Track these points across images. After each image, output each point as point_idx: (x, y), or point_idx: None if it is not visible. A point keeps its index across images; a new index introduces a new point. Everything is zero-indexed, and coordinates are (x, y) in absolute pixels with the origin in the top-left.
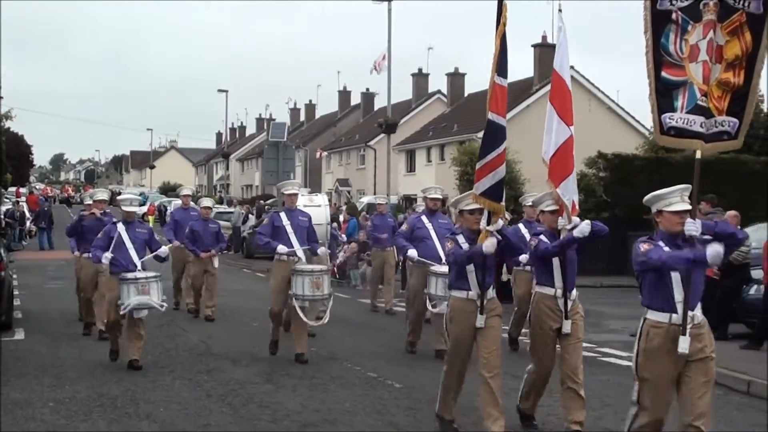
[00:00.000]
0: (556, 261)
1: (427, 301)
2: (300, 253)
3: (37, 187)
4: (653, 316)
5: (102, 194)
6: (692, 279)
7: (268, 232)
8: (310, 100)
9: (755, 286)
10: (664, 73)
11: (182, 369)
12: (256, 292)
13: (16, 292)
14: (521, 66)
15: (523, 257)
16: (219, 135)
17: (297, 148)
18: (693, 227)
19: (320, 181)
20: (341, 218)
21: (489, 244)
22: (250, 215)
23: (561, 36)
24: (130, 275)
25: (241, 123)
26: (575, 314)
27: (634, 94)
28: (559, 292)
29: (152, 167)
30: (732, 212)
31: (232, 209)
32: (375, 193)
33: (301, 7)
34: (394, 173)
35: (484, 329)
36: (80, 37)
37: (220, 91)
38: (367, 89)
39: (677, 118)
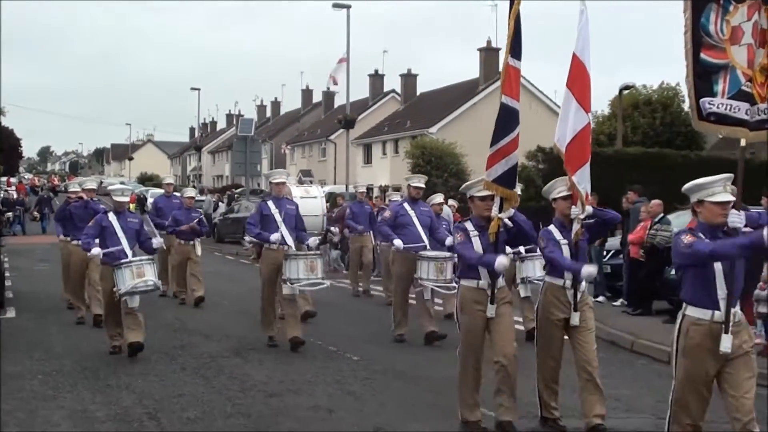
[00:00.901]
0: (566, 251)
1: (426, 286)
2: (290, 241)
3: (26, 177)
4: (694, 312)
5: (91, 183)
6: (735, 273)
7: (257, 221)
8: (276, 98)
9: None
10: (703, 55)
11: (159, 344)
12: (227, 273)
13: (7, 274)
14: (469, 68)
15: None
16: (192, 129)
17: (263, 142)
18: (737, 219)
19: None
20: None
21: (501, 263)
22: (220, 203)
23: (582, 19)
24: (124, 260)
25: (213, 119)
26: (584, 305)
27: None
28: (569, 282)
29: (131, 159)
30: (656, 201)
31: (203, 198)
32: (335, 183)
33: (269, 14)
34: (352, 165)
35: (495, 318)
36: (67, 41)
37: (192, 89)
38: (328, 88)
39: (718, 104)
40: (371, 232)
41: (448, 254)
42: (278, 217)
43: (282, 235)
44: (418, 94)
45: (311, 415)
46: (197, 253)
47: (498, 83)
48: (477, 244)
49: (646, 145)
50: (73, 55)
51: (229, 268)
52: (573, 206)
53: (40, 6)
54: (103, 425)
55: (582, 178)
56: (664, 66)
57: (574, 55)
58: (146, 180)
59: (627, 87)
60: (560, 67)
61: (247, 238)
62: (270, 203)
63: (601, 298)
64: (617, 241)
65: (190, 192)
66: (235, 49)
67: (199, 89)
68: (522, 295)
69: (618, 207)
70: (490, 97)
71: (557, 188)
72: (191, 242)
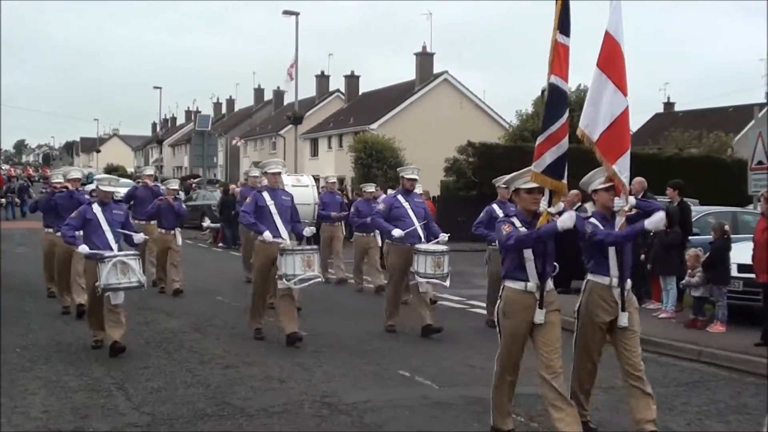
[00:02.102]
0: (611, 246)
1: (419, 280)
2: (285, 234)
3: (3, 167)
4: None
5: (76, 173)
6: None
7: (251, 211)
8: (230, 96)
9: None
10: None
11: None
12: (186, 256)
13: None
14: (406, 70)
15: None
16: (154, 125)
17: (219, 136)
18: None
19: (238, 163)
20: None
21: (566, 218)
22: (180, 192)
23: None
24: (107, 254)
25: (173, 115)
26: (631, 306)
27: (497, 94)
28: (615, 281)
29: (98, 151)
30: (574, 191)
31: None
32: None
33: (225, 21)
34: (300, 158)
35: (542, 325)
36: (40, 46)
37: (155, 87)
38: (278, 87)
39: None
40: (341, 222)
41: (445, 248)
42: (273, 209)
43: (277, 230)
44: (360, 93)
45: (264, 384)
46: (178, 243)
47: (432, 85)
48: None
49: None
50: (47, 57)
51: (188, 251)
52: (616, 198)
53: (16, 12)
54: (75, 394)
55: (623, 167)
56: (580, 71)
57: (606, 33)
58: (112, 171)
59: None
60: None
61: (205, 223)
62: (265, 194)
63: None
64: None
65: (173, 184)
66: (194, 52)
67: (160, 88)
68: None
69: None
70: (424, 98)
71: (597, 179)
72: (172, 231)
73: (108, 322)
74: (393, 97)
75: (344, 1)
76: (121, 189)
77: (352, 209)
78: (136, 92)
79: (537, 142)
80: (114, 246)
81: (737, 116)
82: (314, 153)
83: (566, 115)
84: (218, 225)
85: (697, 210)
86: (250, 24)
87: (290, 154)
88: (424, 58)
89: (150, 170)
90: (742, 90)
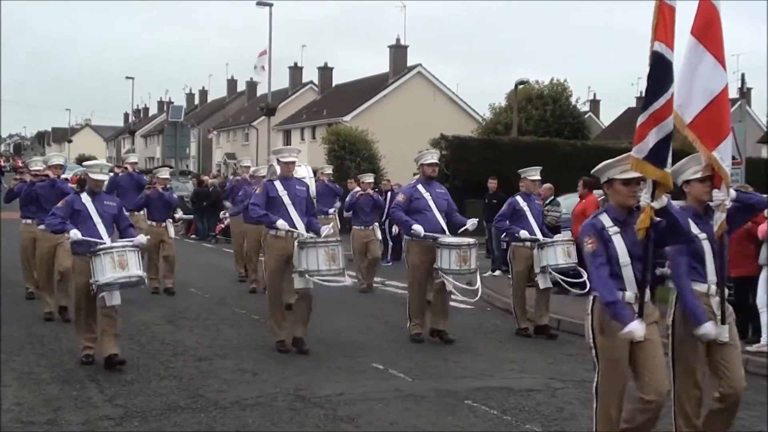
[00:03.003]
0: (707, 247)
1: (444, 277)
2: (301, 227)
3: None
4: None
5: (57, 158)
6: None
7: (262, 202)
8: (203, 87)
9: None
10: None
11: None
12: None
13: None
14: (380, 63)
15: (524, 233)
16: (126, 115)
17: (192, 127)
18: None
19: (211, 155)
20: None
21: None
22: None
23: None
24: (102, 246)
25: (145, 105)
26: (729, 316)
27: (470, 87)
28: (713, 288)
29: (70, 141)
30: (547, 185)
31: None
32: (258, 165)
33: (198, 12)
34: (273, 149)
35: (642, 342)
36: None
37: (127, 77)
38: (251, 78)
39: None
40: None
41: (471, 240)
42: (287, 200)
43: (293, 222)
44: (333, 85)
45: (237, 377)
46: (170, 235)
47: (405, 78)
48: (619, 245)
49: (538, 135)
50: (19, 49)
51: None
52: (715, 190)
53: None
54: (48, 387)
55: (725, 154)
56: (554, 64)
57: None
58: (84, 161)
59: (522, 82)
60: (457, 65)
61: (177, 215)
62: (277, 183)
63: (497, 272)
64: None
65: (164, 173)
66: (167, 43)
67: (133, 78)
68: (541, 286)
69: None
70: (398, 90)
71: (691, 168)
72: (163, 224)
73: (103, 330)
74: (366, 89)
75: None
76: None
77: (348, 200)
78: (108, 82)
79: (638, 122)
80: (107, 240)
81: None
82: (287, 144)
83: (671, 89)
84: (191, 216)
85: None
86: (224, 15)
87: (263, 146)
88: (398, 51)
89: (134, 158)
90: None
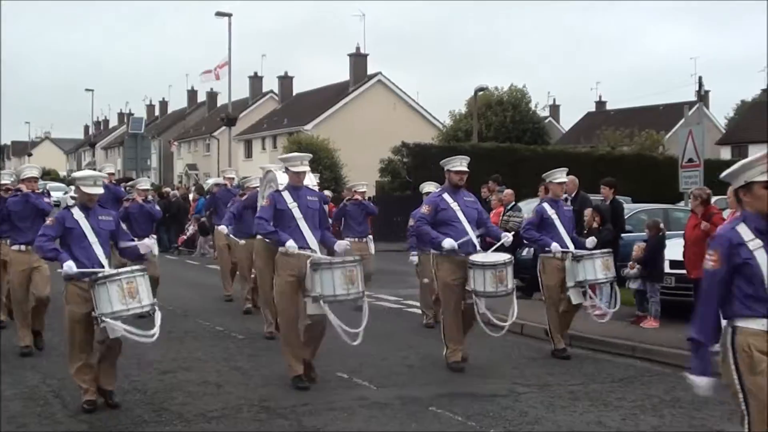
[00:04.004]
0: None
1: (476, 300)
2: (314, 244)
3: None
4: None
5: (31, 170)
6: None
7: (269, 216)
8: (163, 98)
9: (526, 249)
10: None
11: (60, 326)
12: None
13: None
14: (340, 71)
15: (555, 246)
16: (86, 127)
17: (152, 139)
18: None
19: (173, 166)
20: (191, 197)
21: None
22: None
23: None
24: (107, 272)
25: (105, 117)
26: None
27: (430, 94)
28: None
29: (30, 155)
30: (508, 190)
31: None
32: (219, 176)
33: (157, 23)
34: (234, 159)
35: None
36: None
37: (87, 90)
38: (211, 89)
39: None
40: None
41: (506, 257)
42: (297, 213)
43: (304, 239)
44: (294, 94)
45: (202, 389)
46: (154, 253)
47: (366, 86)
48: (763, 261)
49: (498, 140)
50: None
51: None
52: None
53: None
54: (11, 403)
55: None
56: (514, 71)
57: None
58: (44, 174)
59: (481, 89)
60: (417, 73)
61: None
62: (286, 194)
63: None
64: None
65: (144, 184)
66: (126, 54)
67: (92, 90)
68: (574, 301)
69: (477, 196)
70: (358, 98)
71: (755, 168)
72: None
73: (102, 367)
74: (327, 97)
75: (277, 2)
76: (55, 193)
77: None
78: (68, 95)
79: None
80: (104, 262)
81: (668, 114)
82: (248, 154)
83: None
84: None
85: (630, 207)
86: (183, 25)
87: (224, 156)
88: (358, 59)
89: (110, 168)
90: (674, 88)
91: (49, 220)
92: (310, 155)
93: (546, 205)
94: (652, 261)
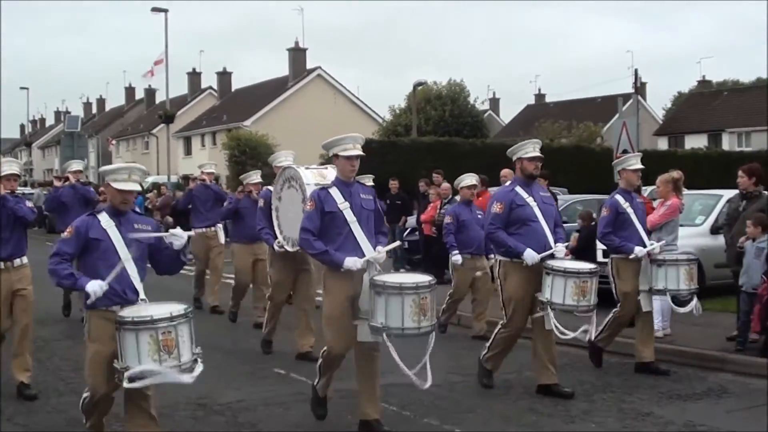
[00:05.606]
0: None
1: (549, 315)
2: (373, 254)
3: None
4: None
5: (12, 166)
6: None
7: (316, 227)
8: (101, 95)
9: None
10: None
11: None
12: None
13: None
14: (279, 66)
15: (639, 250)
16: (22, 126)
17: (90, 137)
18: None
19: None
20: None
21: None
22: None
23: None
24: (135, 316)
25: (42, 116)
26: None
27: (370, 89)
28: None
29: None
30: (445, 184)
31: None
32: (158, 174)
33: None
34: (174, 157)
35: None
36: None
37: (22, 88)
38: (150, 86)
39: None
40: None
41: (592, 265)
42: (350, 216)
43: (361, 251)
44: (233, 90)
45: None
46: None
47: (305, 80)
48: None
49: (438, 135)
50: None
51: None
52: None
53: None
54: None
55: None
56: (453, 65)
57: None
58: None
59: (420, 83)
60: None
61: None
62: (334, 192)
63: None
64: (414, 219)
65: (75, 165)
66: (62, 52)
67: (27, 89)
68: (645, 308)
69: (415, 191)
70: (298, 93)
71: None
72: None
73: (134, 414)
74: (266, 93)
75: None
76: None
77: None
78: (2, 94)
79: None
80: (139, 286)
81: (605, 106)
82: (188, 152)
83: None
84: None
85: (565, 198)
86: (119, 21)
87: (163, 153)
88: (297, 54)
89: (77, 165)
90: (611, 80)
91: (66, 232)
92: (363, 137)
93: (619, 198)
94: (585, 250)
